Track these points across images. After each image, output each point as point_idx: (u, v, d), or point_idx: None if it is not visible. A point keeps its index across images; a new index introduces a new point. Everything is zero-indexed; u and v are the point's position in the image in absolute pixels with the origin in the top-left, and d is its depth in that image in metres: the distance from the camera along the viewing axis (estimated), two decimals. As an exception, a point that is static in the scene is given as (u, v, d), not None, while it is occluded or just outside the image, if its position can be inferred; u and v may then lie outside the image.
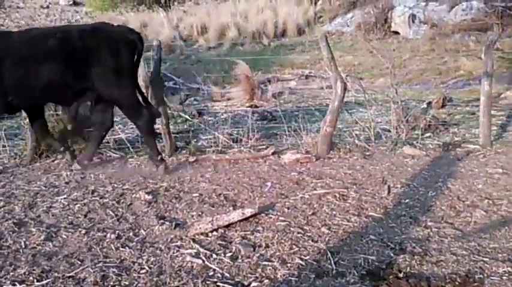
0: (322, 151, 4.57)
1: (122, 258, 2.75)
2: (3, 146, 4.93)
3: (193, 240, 2.93)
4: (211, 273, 2.57)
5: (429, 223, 3.13)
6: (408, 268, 2.58)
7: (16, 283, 2.51)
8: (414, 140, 4.88)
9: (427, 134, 5.11)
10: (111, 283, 2.49)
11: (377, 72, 10.18)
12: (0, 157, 4.82)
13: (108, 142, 4.83)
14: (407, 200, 3.52)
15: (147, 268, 2.64)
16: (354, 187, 3.79)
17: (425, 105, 6.27)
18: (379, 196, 3.60)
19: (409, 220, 3.18)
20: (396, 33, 13.78)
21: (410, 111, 5.21)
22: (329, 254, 2.72)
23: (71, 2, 26.43)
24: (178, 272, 2.59)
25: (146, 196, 3.62)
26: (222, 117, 5.58)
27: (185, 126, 5.67)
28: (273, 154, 4.58)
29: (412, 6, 13.96)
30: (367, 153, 4.63)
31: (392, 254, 2.74)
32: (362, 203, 3.47)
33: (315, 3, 17.12)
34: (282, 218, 3.22)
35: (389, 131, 5.05)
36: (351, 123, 5.31)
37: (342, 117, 4.96)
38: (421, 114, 5.57)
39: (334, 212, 3.32)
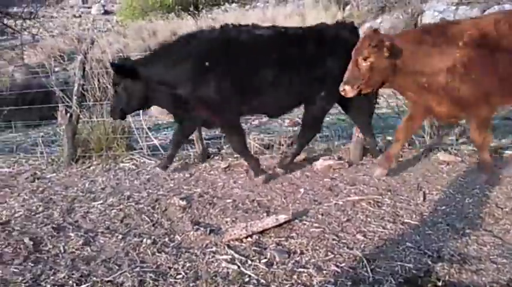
0: (355, 157, 4.52)
1: (158, 263, 2.78)
2: (41, 153, 5.08)
3: (228, 246, 2.94)
4: (246, 279, 2.58)
5: (467, 231, 3.05)
6: (447, 276, 2.53)
7: (56, 286, 2.57)
8: (449, 146, 4.76)
9: (462, 140, 4.98)
10: (148, 288, 2.53)
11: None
12: (38, 163, 4.97)
13: (141, 148, 4.92)
14: (443, 207, 3.44)
15: (183, 273, 2.66)
16: (389, 193, 3.73)
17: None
18: (414, 203, 3.54)
19: (446, 227, 3.11)
20: (426, 37, 13.55)
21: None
22: (365, 262, 2.69)
23: (102, 11, 27.17)
24: (214, 277, 2.60)
25: (180, 202, 3.66)
26: (253, 123, 5.59)
27: (217, 132, 5.71)
28: (305, 160, 4.55)
29: (442, 11, 13.71)
30: (401, 159, 4.55)
31: (430, 262, 2.68)
32: (397, 210, 3.41)
33: (343, 9, 17.05)
34: (316, 225, 3.20)
35: (422, 136, 4.94)
36: (383, 129, 5.22)
37: (375, 123, 4.88)
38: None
39: (369, 219, 3.27)
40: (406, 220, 3.24)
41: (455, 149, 4.70)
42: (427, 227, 3.13)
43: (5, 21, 11.65)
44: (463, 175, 4.11)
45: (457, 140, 4.88)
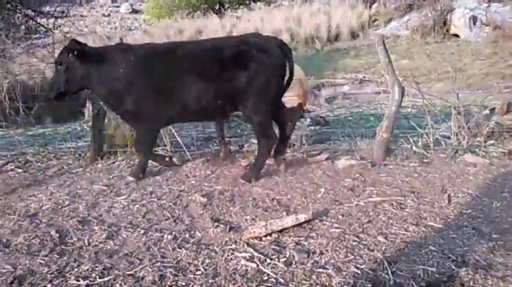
0: (377, 157, 4.46)
1: (179, 259, 2.81)
2: (68, 148, 5.21)
3: (247, 244, 2.95)
4: (265, 278, 2.58)
5: (494, 235, 2.97)
6: (471, 282, 2.46)
7: (80, 278, 2.63)
8: (476, 148, 4.65)
9: (491, 142, 4.87)
10: (168, 283, 2.56)
11: (435, 77, 9.84)
12: (66, 157, 5.09)
13: (165, 145, 4.98)
14: (469, 211, 3.36)
15: (202, 269, 2.68)
16: (412, 195, 3.67)
17: (488, 112, 5.97)
18: (438, 205, 3.47)
19: (471, 231, 3.03)
20: (456, 36, 13.28)
21: (472, 117, 4.98)
22: (386, 264, 2.65)
23: (130, 10, 27.64)
24: (233, 275, 2.61)
25: (201, 199, 3.69)
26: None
27: (238, 131, 5.74)
28: (326, 159, 4.53)
29: (474, 8, 13.40)
30: (426, 160, 4.47)
31: (453, 267, 2.62)
32: (420, 213, 3.35)
33: (370, 7, 16.86)
34: (337, 225, 3.17)
35: (449, 137, 4.85)
36: (408, 129, 5.14)
37: (399, 122, 4.81)
38: (484, 120, 5.31)
39: (391, 221, 3.23)
40: (429, 223, 3.18)
41: (483, 151, 4.59)
42: (451, 231, 3.06)
43: (38, 19, 11.95)
44: (491, 177, 4.01)
45: (485, 141, 4.76)
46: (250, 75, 3.93)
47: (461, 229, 3.08)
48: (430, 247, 2.85)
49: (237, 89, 3.95)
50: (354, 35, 15.10)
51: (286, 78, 4.15)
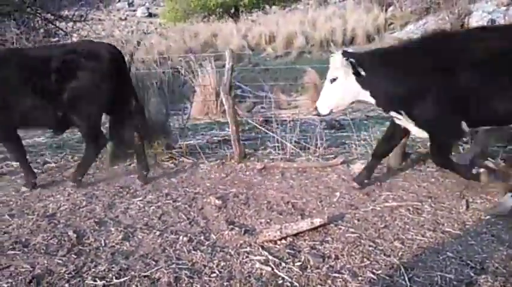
0: (393, 161, 4.41)
1: (194, 261, 2.83)
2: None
3: (262, 247, 2.95)
4: (280, 282, 2.58)
5: (514, 243, 2.92)
6: (490, 290, 2.43)
7: (97, 279, 2.67)
8: (495, 152, 4.57)
9: (511, 147, 4.77)
10: (184, 285, 2.58)
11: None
12: (83, 159, 5.14)
13: (180, 148, 5.01)
14: (488, 217, 3.30)
15: (217, 272, 2.70)
16: (429, 200, 3.63)
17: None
18: (456, 211, 3.42)
19: (490, 238, 2.99)
20: (474, 39, 13.08)
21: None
22: (402, 270, 2.63)
23: (146, 14, 27.92)
24: (247, 278, 2.62)
25: (216, 201, 3.71)
26: (289, 125, 5.57)
27: (253, 134, 5.74)
28: (341, 163, 4.50)
29: (492, 11, 13.21)
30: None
31: (472, 274, 2.59)
32: (438, 218, 3.31)
33: (386, 10, 16.73)
34: (352, 230, 3.16)
35: (466, 142, 4.77)
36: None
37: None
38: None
39: (407, 226, 3.20)
40: (447, 229, 3.15)
41: (501, 156, 4.50)
42: (469, 237, 3.02)
43: (57, 23, 12.14)
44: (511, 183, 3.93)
45: (505, 147, 4.68)
46: (79, 83, 3.96)
47: (480, 235, 3.04)
48: (448, 253, 2.82)
49: (67, 97, 3.98)
50: (369, 39, 14.99)
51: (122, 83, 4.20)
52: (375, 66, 3.54)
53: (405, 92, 3.44)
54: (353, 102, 3.86)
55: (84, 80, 3.95)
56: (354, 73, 3.51)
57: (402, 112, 3.55)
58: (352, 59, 3.49)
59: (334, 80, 3.62)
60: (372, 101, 3.66)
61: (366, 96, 3.63)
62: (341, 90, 3.63)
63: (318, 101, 3.72)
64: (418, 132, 3.64)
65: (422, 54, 3.45)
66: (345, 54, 3.56)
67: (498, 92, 3.25)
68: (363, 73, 3.50)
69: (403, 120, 3.64)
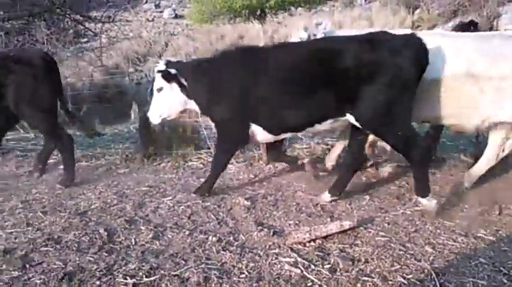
0: (424, 165, 4.34)
1: (223, 261, 2.84)
2: (116, 149, 5.37)
3: (291, 249, 2.95)
4: (309, 284, 2.57)
5: (548, 249, 2.83)
6: (525, 297, 2.37)
7: (127, 277, 2.70)
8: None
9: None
10: (213, 285, 2.59)
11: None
12: (113, 158, 5.25)
13: (209, 148, 5.05)
14: (522, 223, 3.22)
15: (246, 273, 2.70)
16: (460, 205, 3.56)
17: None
18: (489, 217, 3.35)
19: (525, 245, 2.91)
20: (504, 41, 12.76)
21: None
22: (434, 275, 2.58)
23: (173, 15, 28.24)
24: (276, 279, 2.61)
25: (245, 202, 3.72)
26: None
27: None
28: (370, 166, 4.45)
29: (522, 13, 12.85)
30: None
31: (505, 281, 2.53)
32: (470, 223, 3.24)
33: (413, 13, 16.48)
34: (382, 234, 3.12)
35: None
36: (455, 137, 4.99)
37: (445, 130, 4.67)
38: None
39: (438, 231, 3.14)
40: (479, 234, 3.08)
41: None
42: (502, 243, 2.95)
43: (86, 24, 12.43)
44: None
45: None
46: (11, 88, 4.11)
47: (513, 241, 2.97)
48: (480, 259, 2.77)
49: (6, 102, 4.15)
50: (396, 41, 14.80)
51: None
52: (195, 76, 3.80)
53: (213, 99, 3.74)
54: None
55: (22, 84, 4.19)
56: (176, 83, 3.76)
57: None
58: (173, 70, 3.76)
59: (160, 89, 3.81)
60: (198, 109, 3.93)
61: (192, 104, 3.89)
62: (168, 99, 3.84)
63: (149, 111, 3.93)
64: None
65: (228, 65, 3.75)
66: (168, 64, 3.81)
67: (289, 103, 3.53)
68: (184, 83, 3.76)
69: None
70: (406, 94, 3.29)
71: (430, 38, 3.40)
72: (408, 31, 3.56)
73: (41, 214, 3.67)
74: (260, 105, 3.60)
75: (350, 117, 3.40)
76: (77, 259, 2.93)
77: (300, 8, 23.14)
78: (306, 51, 3.56)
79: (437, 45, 3.41)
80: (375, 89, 3.25)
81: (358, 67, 3.26)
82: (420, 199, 3.42)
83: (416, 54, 3.29)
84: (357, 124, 3.41)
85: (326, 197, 3.74)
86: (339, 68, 3.30)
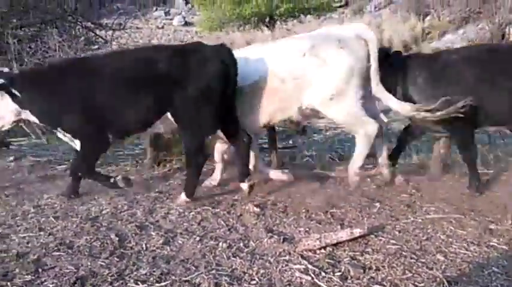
0: (435, 172, 4.33)
1: (233, 267, 2.84)
2: (126, 154, 5.41)
3: (302, 256, 2.94)
4: (320, 291, 2.56)
5: (562, 259, 2.80)
6: (539, 307, 2.34)
7: (139, 282, 2.71)
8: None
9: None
10: (224, 291, 2.59)
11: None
12: (123, 164, 5.29)
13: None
14: (535, 231, 3.19)
15: (257, 279, 2.70)
16: (472, 213, 3.54)
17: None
18: (501, 225, 3.32)
19: (538, 253, 2.88)
20: (516, 49, 12.68)
21: (537, 134, 4.72)
22: (446, 284, 2.57)
23: (183, 23, 28.48)
24: (287, 286, 2.61)
25: (255, 209, 3.73)
26: (326, 134, 5.57)
27: (290, 142, 5.75)
28: (381, 173, 4.43)
29: (535, 20, 12.80)
30: (486, 177, 4.28)
31: (519, 290, 2.50)
32: (482, 232, 3.22)
33: (423, 19, 16.49)
34: (393, 241, 3.11)
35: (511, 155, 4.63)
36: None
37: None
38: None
39: (450, 239, 3.12)
40: (492, 243, 3.05)
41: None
42: (516, 252, 2.92)
43: (97, 31, 12.57)
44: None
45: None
46: None
47: (526, 251, 2.94)
48: (493, 268, 2.74)
49: None
50: (406, 48, 14.78)
51: None
52: (30, 86, 3.89)
53: (56, 108, 3.88)
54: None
55: None
56: (7, 93, 3.81)
57: (60, 129, 3.99)
58: (2, 80, 3.80)
59: None
60: (36, 119, 3.99)
61: (28, 115, 3.94)
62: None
63: None
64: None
65: (62, 75, 3.96)
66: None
67: (120, 107, 3.86)
68: (17, 93, 3.81)
69: (66, 138, 4.06)
70: (209, 101, 3.82)
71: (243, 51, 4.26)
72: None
73: (53, 219, 3.69)
74: (98, 111, 3.87)
75: (169, 115, 3.91)
76: (89, 263, 2.94)
77: (309, 16, 23.23)
78: (130, 59, 4.02)
79: (247, 55, 4.09)
80: (184, 93, 3.78)
81: (171, 73, 3.78)
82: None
83: (223, 63, 3.83)
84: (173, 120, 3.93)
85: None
86: (156, 73, 3.78)
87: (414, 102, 3.91)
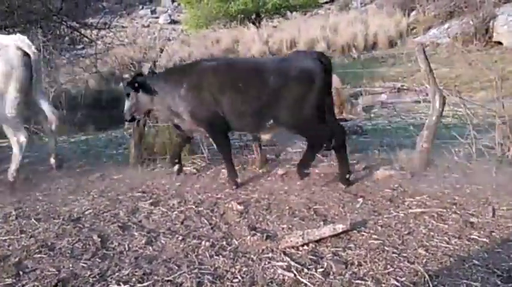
0: (417, 167, 4.36)
1: (216, 266, 2.83)
2: (109, 154, 5.36)
3: (284, 253, 2.94)
4: (302, 288, 2.56)
5: (542, 250, 2.83)
6: (518, 299, 2.36)
7: (121, 283, 2.69)
8: (523, 159, 4.47)
9: (538, 153, 4.65)
10: (206, 290, 2.58)
11: (477, 86, 9.57)
12: (107, 164, 5.25)
13: (203, 153, 5.05)
14: (515, 224, 3.23)
15: (239, 277, 2.69)
16: (454, 207, 3.56)
17: (534, 121, 5.73)
18: (482, 218, 3.35)
19: (517, 246, 2.91)
20: (499, 43, 12.86)
21: (517, 127, 4.77)
22: (427, 278, 2.58)
23: (169, 21, 28.31)
24: (270, 284, 2.61)
25: (238, 207, 3.72)
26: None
27: (274, 139, 5.74)
28: (364, 169, 4.46)
29: (517, 15, 12.94)
30: (468, 171, 4.32)
31: (499, 282, 2.53)
32: (463, 225, 3.24)
33: (408, 15, 16.59)
34: (375, 237, 3.12)
35: (492, 148, 4.67)
36: (449, 139, 5.00)
37: (439, 132, 4.69)
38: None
39: (431, 233, 3.14)
40: (472, 236, 3.08)
41: (529, 163, 4.39)
42: (496, 245, 2.95)
43: (82, 31, 12.44)
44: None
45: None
46: None
47: (506, 243, 2.97)
48: (473, 261, 2.76)
49: None
50: (391, 43, 14.89)
51: None
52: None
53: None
54: None
55: None
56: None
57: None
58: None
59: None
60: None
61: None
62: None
63: None
64: None
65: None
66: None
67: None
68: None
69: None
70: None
71: None
72: None
73: (34, 221, 3.65)
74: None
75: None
76: (71, 265, 2.91)
77: (295, 12, 23.25)
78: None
79: None
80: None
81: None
82: None
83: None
84: None
85: None
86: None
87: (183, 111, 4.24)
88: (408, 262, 2.77)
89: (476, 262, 2.74)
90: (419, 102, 7.76)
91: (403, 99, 9.29)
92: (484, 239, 3.03)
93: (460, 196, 3.78)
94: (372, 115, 7.44)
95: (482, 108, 5.46)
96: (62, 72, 9.96)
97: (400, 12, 16.52)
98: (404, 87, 10.12)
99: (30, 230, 3.48)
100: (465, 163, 4.46)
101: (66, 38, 12.41)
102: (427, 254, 2.87)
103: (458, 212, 3.47)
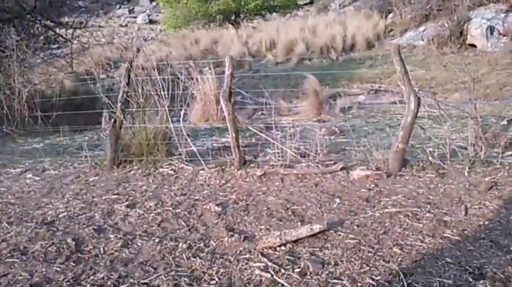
0: (393, 167, 4.42)
1: (193, 268, 2.82)
2: (85, 156, 5.27)
3: (262, 254, 2.95)
4: (279, 288, 2.57)
5: (512, 248, 2.91)
6: (489, 295, 2.42)
7: (95, 286, 2.65)
8: (493, 159, 4.58)
9: (508, 153, 4.79)
10: (183, 292, 2.57)
11: (451, 87, 9.76)
12: (82, 166, 5.16)
13: (180, 154, 5.02)
14: (486, 223, 3.30)
15: (217, 279, 2.69)
16: (428, 206, 3.63)
17: (505, 122, 5.89)
18: (455, 217, 3.42)
19: (489, 244, 2.98)
20: (472, 46, 13.14)
21: (490, 128, 4.91)
22: (402, 276, 2.62)
23: (147, 21, 28.04)
24: (247, 285, 2.61)
25: (216, 208, 3.71)
26: (289, 131, 5.59)
27: (253, 140, 5.75)
28: (341, 169, 4.50)
29: (491, 18, 13.25)
30: (442, 171, 4.41)
31: (471, 279, 2.58)
32: (437, 224, 3.31)
33: (385, 17, 16.80)
34: (352, 236, 3.15)
35: (465, 148, 4.78)
36: (424, 139, 5.10)
37: (415, 133, 4.77)
38: (501, 131, 5.23)
39: (406, 232, 3.19)
40: (446, 235, 3.14)
41: (499, 163, 4.51)
42: (468, 243, 3.01)
43: (57, 30, 12.21)
44: (509, 189, 3.94)
45: (502, 152, 4.69)
46: None
47: (478, 241, 3.03)
48: (446, 259, 2.81)
49: None
50: (369, 45, 15.04)
51: None
52: None
53: None
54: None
55: None
56: None
57: None
58: None
59: None
60: None
61: None
62: None
63: None
64: None
65: None
66: None
67: None
68: None
69: None
70: None
71: None
72: None
73: (6, 225, 3.57)
74: None
75: None
76: (44, 269, 2.85)
77: (274, 13, 23.33)
78: None
79: None
80: None
81: None
82: None
83: None
84: None
85: None
86: None
87: None
88: (383, 260, 2.81)
89: (449, 260, 2.79)
90: (396, 103, 7.90)
91: (380, 100, 9.42)
92: (457, 238, 3.09)
93: (434, 195, 3.85)
94: (350, 116, 7.51)
95: (456, 110, 5.58)
96: (36, 72, 9.74)
97: (378, 15, 16.72)
98: (382, 89, 10.26)
99: (2, 234, 3.40)
100: (439, 163, 4.55)
101: (41, 37, 12.15)
102: (402, 252, 2.91)
103: (432, 211, 3.53)
